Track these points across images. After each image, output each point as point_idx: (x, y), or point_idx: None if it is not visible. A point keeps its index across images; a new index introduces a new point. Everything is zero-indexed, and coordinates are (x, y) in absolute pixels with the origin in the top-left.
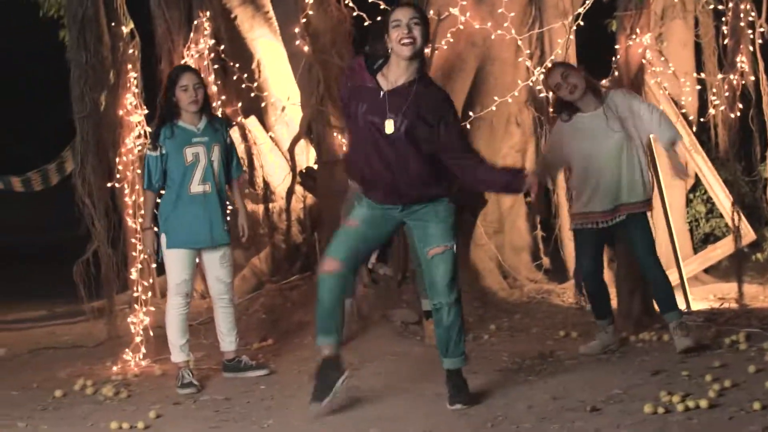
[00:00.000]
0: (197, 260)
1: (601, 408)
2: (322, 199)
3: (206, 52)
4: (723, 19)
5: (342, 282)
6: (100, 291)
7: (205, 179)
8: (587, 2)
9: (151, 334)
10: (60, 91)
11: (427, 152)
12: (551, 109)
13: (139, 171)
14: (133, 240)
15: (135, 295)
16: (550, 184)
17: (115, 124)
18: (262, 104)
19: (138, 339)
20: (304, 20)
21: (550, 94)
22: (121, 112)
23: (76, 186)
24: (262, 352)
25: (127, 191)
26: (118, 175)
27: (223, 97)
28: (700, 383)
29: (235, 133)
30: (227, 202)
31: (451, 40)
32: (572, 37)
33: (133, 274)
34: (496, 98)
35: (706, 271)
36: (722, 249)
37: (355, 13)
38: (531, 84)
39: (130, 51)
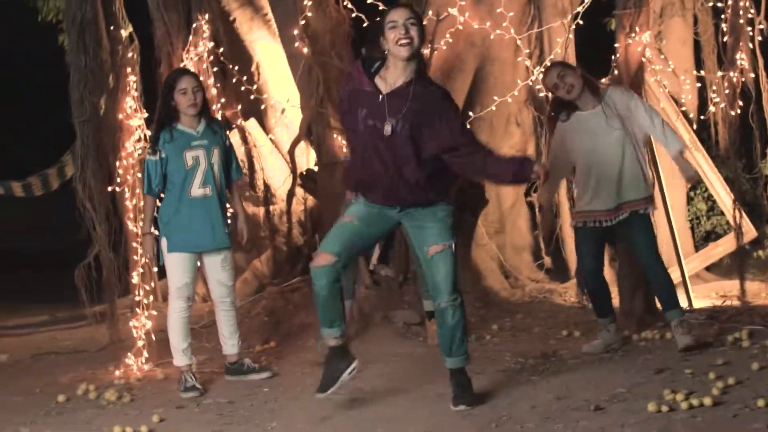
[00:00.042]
0: (198, 263)
1: (605, 407)
2: (322, 200)
3: (205, 54)
4: (722, 16)
5: (335, 274)
6: (101, 295)
7: (205, 182)
8: (586, 1)
9: (153, 338)
10: (59, 95)
11: (431, 153)
12: (549, 110)
13: (139, 175)
14: (134, 244)
15: (137, 299)
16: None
17: (115, 128)
18: (262, 106)
19: (140, 343)
20: (303, 22)
21: (549, 93)
22: (120, 116)
23: (77, 190)
24: (265, 354)
25: (127, 195)
26: (118, 179)
27: (223, 100)
28: (703, 381)
29: (235, 136)
30: (227, 205)
31: (450, 40)
32: (571, 36)
33: (135, 278)
34: (495, 98)
35: (708, 268)
36: (724, 246)
37: (353, 15)
38: (530, 83)
39: (129, 54)
